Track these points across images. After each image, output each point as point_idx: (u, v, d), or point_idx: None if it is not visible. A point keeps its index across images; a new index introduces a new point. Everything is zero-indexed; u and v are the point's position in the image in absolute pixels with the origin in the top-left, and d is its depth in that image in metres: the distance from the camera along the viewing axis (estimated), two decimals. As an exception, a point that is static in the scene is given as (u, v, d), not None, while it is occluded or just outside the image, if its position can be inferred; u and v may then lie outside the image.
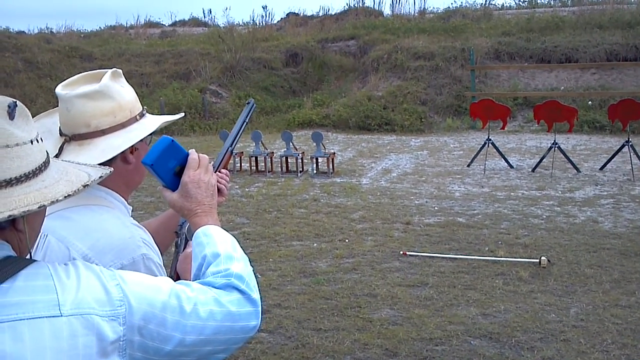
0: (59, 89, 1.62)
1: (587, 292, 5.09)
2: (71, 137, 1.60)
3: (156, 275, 1.47)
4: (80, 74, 1.67)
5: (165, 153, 1.46)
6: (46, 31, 23.21)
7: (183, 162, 1.49)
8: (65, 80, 1.66)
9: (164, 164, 1.46)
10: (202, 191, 1.47)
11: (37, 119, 1.68)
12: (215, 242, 1.37)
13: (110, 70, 1.66)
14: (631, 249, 6.09)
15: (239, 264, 1.33)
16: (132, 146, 1.62)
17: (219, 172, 1.80)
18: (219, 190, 1.78)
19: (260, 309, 1.30)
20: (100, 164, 1.57)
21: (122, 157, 1.62)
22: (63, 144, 1.60)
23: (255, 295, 1.30)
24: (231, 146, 1.86)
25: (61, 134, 1.62)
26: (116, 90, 1.61)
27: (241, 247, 1.41)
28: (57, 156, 1.57)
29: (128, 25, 25.59)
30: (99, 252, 1.47)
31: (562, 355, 4.07)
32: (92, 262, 1.33)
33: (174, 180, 1.49)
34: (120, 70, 1.70)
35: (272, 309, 4.91)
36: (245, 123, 1.90)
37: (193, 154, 1.50)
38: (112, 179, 1.60)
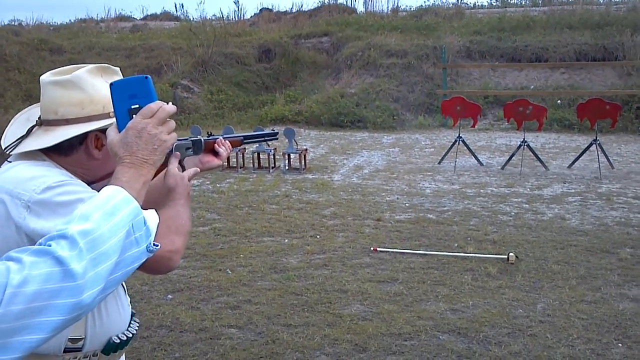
0: (43, 75, 1.64)
1: (554, 287, 5.17)
2: (41, 123, 1.62)
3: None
4: (76, 65, 1.67)
5: (131, 85, 1.38)
6: (14, 23, 22.80)
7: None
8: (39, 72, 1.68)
9: (123, 96, 1.38)
10: (142, 142, 1.34)
11: (28, 110, 1.73)
12: (95, 200, 1.24)
13: (99, 65, 1.66)
14: (597, 245, 6.19)
15: (87, 224, 1.16)
16: (98, 139, 1.61)
17: (224, 141, 1.77)
18: (217, 153, 1.75)
19: (83, 282, 1.11)
20: (60, 153, 1.58)
21: (85, 149, 1.61)
22: (33, 127, 1.62)
23: (78, 266, 1.11)
24: (245, 138, 1.87)
25: (39, 118, 1.65)
26: (90, 83, 1.60)
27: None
28: (23, 138, 1.60)
29: (99, 19, 25.26)
30: (9, 181, 1.50)
31: (529, 350, 4.13)
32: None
33: (125, 120, 1.38)
34: (117, 68, 1.68)
35: (242, 305, 4.90)
36: (260, 140, 1.94)
37: (155, 103, 1.38)
38: (70, 169, 1.59)
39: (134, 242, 1.24)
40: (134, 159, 1.34)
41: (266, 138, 1.93)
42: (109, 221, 1.19)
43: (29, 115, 1.70)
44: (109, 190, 1.26)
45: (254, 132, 1.96)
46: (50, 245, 1.12)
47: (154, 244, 1.30)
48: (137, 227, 1.25)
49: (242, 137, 1.86)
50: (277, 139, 1.94)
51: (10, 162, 1.60)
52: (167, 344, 4.29)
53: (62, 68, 1.66)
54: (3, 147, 1.63)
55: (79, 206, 1.36)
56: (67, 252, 1.11)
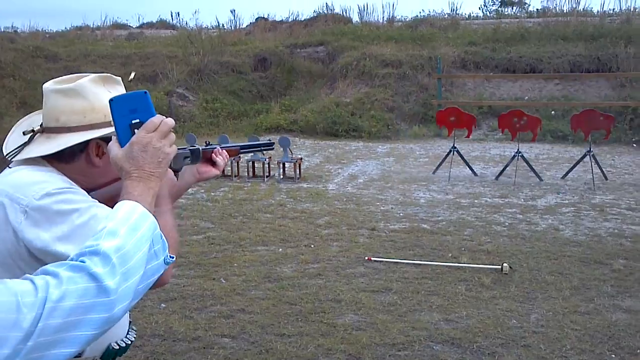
0: (46, 83, 1.66)
1: (548, 298, 5.17)
2: (43, 130, 1.64)
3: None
4: (80, 74, 1.68)
5: (131, 100, 1.39)
6: (10, 30, 22.80)
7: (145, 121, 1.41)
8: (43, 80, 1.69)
9: (124, 111, 1.39)
10: (148, 156, 1.36)
11: (29, 117, 1.75)
12: (116, 215, 1.25)
13: (102, 74, 1.68)
14: (591, 256, 6.21)
15: (116, 240, 1.19)
16: (99, 147, 1.63)
17: (221, 150, 1.76)
18: (214, 163, 1.74)
19: (116, 297, 1.14)
20: (60, 160, 1.59)
21: (86, 157, 1.63)
22: (35, 133, 1.64)
23: (112, 282, 1.14)
24: (242, 148, 1.87)
25: (40, 125, 1.66)
26: (92, 92, 1.62)
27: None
28: (26, 144, 1.63)
29: (94, 26, 25.27)
30: (10, 185, 1.51)
31: (522, 361, 4.13)
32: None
33: (127, 135, 1.39)
34: (119, 78, 1.71)
35: (236, 314, 4.89)
36: (256, 150, 1.94)
37: (156, 117, 1.40)
38: (71, 176, 1.60)
39: (154, 256, 1.27)
40: (142, 173, 1.35)
41: (262, 148, 1.91)
42: (133, 236, 1.22)
43: (31, 122, 1.72)
44: (127, 205, 1.28)
45: (248, 141, 1.93)
46: (84, 262, 1.14)
47: (170, 256, 1.32)
48: (155, 240, 1.28)
49: (239, 147, 1.85)
50: (273, 148, 1.93)
51: (11, 167, 1.62)
52: (160, 353, 4.28)
53: (64, 77, 1.68)
54: (5, 154, 1.64)
55: (74, 218, 1.42)
56: (101, 268, 1.14)
